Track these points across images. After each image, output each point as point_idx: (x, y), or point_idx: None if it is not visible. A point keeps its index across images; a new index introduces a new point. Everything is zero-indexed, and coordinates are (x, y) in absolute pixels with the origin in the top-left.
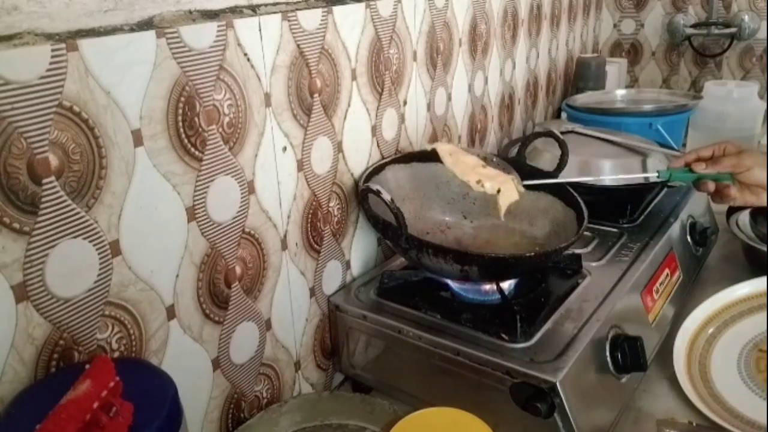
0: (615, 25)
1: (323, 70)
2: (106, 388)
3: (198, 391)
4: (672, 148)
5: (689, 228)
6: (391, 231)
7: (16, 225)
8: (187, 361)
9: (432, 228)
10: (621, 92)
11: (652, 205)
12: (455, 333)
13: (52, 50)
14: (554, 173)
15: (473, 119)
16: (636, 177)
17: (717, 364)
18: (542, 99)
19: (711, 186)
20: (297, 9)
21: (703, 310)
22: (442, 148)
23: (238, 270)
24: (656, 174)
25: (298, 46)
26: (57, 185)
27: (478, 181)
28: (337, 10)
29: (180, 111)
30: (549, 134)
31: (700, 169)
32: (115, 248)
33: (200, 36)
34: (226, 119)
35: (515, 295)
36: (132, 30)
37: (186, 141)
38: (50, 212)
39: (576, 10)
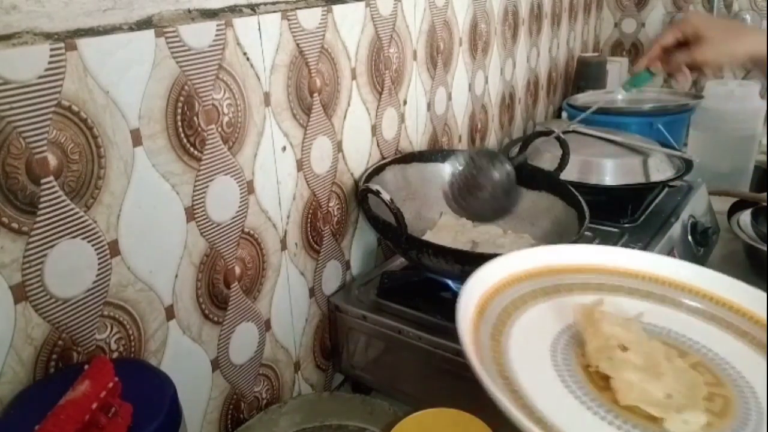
0: (616, 24)
1: (323, 70)
2: (105, 388)
3: (197, 392)
4: (673, 148)
5: (690, 228)
6: (391, 231)
7: (15, 225)
8: (186, 361)
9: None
10: (622, 92)
11: (653, 204)
12: (455, 333)
13: (51, 50)
14: (556, 172)
15: (473, 119)
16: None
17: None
18: (543, 98)
19: (686, 72)
20: (296, 8)
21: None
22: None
23: (237, 270)
24: (623, 90)
25: (298, 45)
26: (56, 185)
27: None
28: (336, 9)
29: (179, 110)
30: (550, 134)
31: (658, 70)
32: (114, 248)
33: (199, 35)
34: (226, 119)
35: None
36: (131, 29)
37: (185, 141)
38: (49, 212)
39: (577, 9)
